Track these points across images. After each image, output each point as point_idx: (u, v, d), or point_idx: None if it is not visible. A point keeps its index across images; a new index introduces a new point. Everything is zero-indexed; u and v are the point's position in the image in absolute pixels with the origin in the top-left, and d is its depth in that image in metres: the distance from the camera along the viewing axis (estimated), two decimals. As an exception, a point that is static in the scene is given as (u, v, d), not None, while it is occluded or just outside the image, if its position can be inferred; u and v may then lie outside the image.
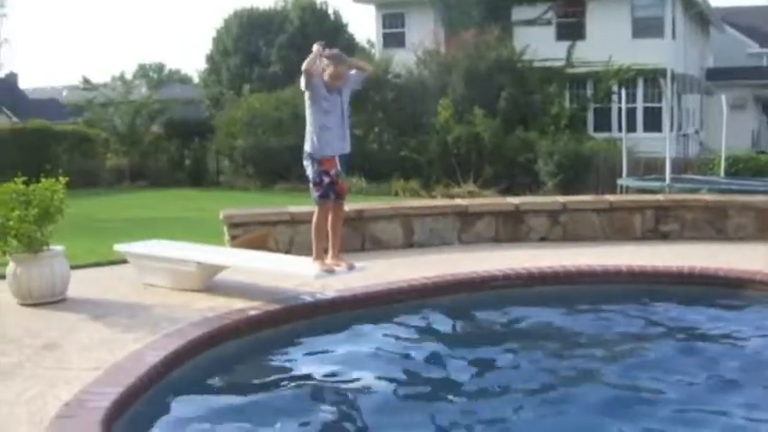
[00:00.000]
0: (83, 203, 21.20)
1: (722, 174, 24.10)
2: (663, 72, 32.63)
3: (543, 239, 12.19)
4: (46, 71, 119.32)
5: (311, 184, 8.36)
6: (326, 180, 8.22)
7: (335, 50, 8.41)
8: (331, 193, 8.26)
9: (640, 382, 6.50)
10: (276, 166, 29.74)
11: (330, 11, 45.47)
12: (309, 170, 8.30)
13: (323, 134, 8.15)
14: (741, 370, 6.82)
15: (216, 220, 11.74)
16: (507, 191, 25.60)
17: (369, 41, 48.24)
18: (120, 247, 9.37)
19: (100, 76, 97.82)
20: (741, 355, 7.32)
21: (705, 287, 9.34)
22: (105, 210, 22.13)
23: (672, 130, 29.63)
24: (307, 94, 8.26)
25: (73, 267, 8.76)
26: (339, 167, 8.29)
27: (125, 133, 36.05)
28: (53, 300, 8.22)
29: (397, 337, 7.80)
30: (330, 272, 8.18)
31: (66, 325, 7.42)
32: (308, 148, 8.23)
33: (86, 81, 39.02)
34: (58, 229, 8.42)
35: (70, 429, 5.05)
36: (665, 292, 9.23)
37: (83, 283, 8.88)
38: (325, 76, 8.22)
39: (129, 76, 44.14)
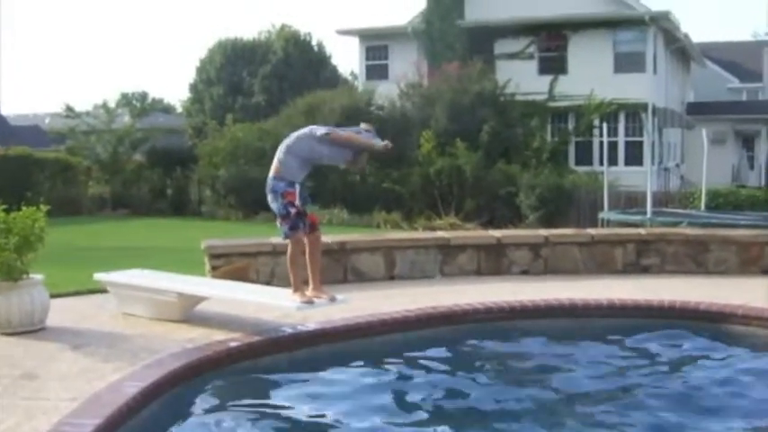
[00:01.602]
0: (64, 231, 21.10)
1: (703, 207, 24.16)
2: (644, 106, 32.80)
3: (525, 273, 12.21)
4: (28, 98, 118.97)
5: (279, 218, 8.37)
6: (293, 211, 8.23)
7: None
8: (300, 224, 8.25)
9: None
10: (258, 196, 29.16)
11: (314, 42, 45.60)
12: (275, 204, 8.32)
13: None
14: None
15: (197, 251, 11.70)
16: (489, 224, 25.61)
17: (352, 73, 48.38)
18: (100, 277, 9.32)
19: (83, 104, 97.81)
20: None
21: (686, 321, 9.35)
22: (86, 238, 22.01)
23: (653, 163, 29.73)
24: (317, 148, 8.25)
25: (53, 296, 8.72)
26: (302, 201, 8.31)
27: (107, 161, 35.93)
28: (32, 329, 8.16)
29: (380, 371, 7.78)
30: (310, 303, 8.17)
31: (44, 354, 7.37)
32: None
33: (69, 108, 38.92)
34: (38, 258, 8.38)
35: (47, 461, 5.00)
36: (646, 325, 9.25)
37: (62, 312, 8.84)
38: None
39: (112, 105, 43.87)
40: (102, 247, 19.45)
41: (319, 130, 8.31)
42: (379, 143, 8.45)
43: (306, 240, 8.35)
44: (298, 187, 8.31)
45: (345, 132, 8.35)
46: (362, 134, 8.44)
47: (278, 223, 8.43)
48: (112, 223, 28.91)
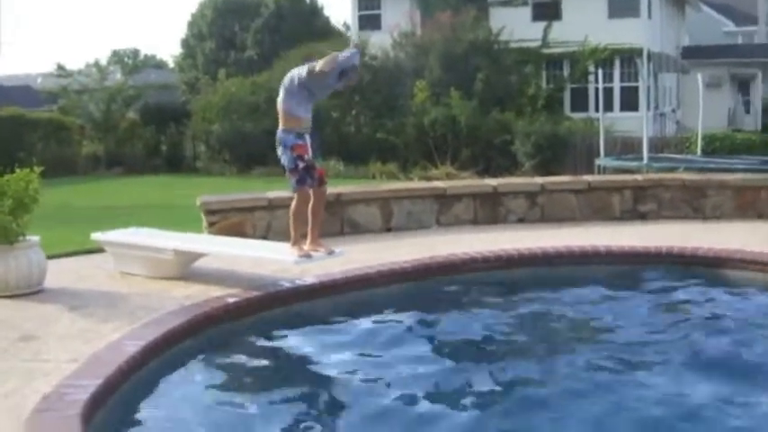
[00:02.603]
0: (59, 192, 21.08)
1: (699, 152, 24.16)
2: (639, 51, 32.62)
3: (521, 221, 12.19)
4: (19, 58, 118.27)
5: (287, 171, 8.32)
6: (302, 165, 8.19)
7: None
8: (308, 178, 8.22)
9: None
10: (253, 150, 29.58)
11: (305, -7, 45.26)
12: (284, 157, 8.27)
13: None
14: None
15: (193, 207, 11.67)
16: (485, 172, 25.59)
17: (345, 24, 47.96)
18: (96, 236, 9.29)
19: (74, 63, 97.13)
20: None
21: (683, 267, 9.37)
22: (81, 198, 22.00)
23: (649, 109, 29.63)
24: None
25: (49, 257, 8.68)
26: (312, 153, 8.27)
27: (100, 120, 35.79)
28: (30, 291, 8.14)
29: (377, 322, 7.79)
30: (308, 257, 8.16)
31: (43, 316, 7.36)
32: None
33: (61, 68, 38.75)
34: (33, 219, 8.34)
35: (49, 422, 5.00)
36: (643, 272, 9.27)
37: (59, 273, 8.81)
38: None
39: (103, 63, 43.55)
40: (97, 206, 19.43)
41: (302, 73, 8.21)
42: (355, 61, 8.30)
43: (311, 194, 8.32)
44: (308, 139, 8.25)
45: (322, 61, 8.17)
46: (342, 55, 8.28)
47: (287, 176, 8.38)
48: (107, 182, 28.90)
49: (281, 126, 8.32)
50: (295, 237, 8.28)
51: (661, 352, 6.79)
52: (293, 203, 8.35)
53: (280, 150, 8.33)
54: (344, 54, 8.26)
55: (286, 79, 8.37)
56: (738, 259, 9.28)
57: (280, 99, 8.37)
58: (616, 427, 5.46)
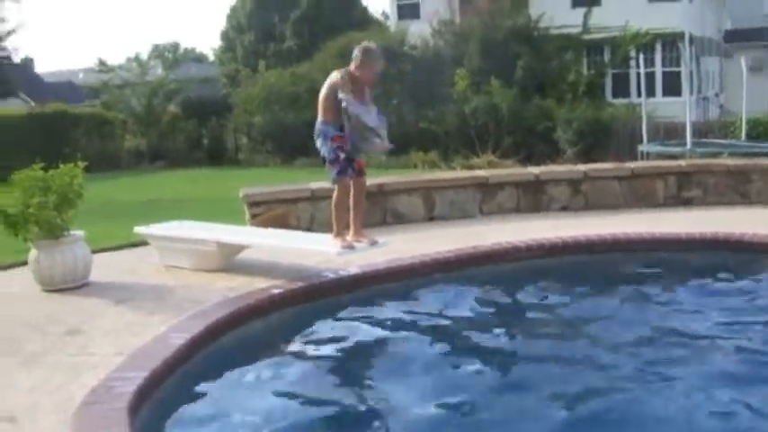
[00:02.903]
0: (102, 186, 21.23)
1: (743, 137, 23.88)
2: (681, 35, 32.29)
3: (564, 209, 12.12)
4: (61, 54, 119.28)
5: (327, 163, 8.31)
6: (342, 156, 8.17)
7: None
8: (349, 169, 8.21)
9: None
10: (295, 141, 29.62)
11: (343, -16, 45.22)
12: (324, 149, 8.25)
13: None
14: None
15: (236, 199, 11.71)
16: (527, 160, 25.45)
17: (383, 13, 47.94)
18: (140, 230, 9.34)
19: (115, 58, 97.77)
20: None
21: (730, 253, 9.27)
22: (125, 192, 22.16)
23: (691, 93, 29.37)
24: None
25: (94, 251, 8.74)
26: (350, 144, 8.24)
27: (142, 114, 36.00)
28: (75, 285, 8.20)
29: (422, 313, 7.76)
30: (351, 248, 8.15)
31: (88, 310, 7.41)
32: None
33: (102, 63, 38.99)
34: (78, 214, 8.41)
35: (97, 416, 5.03)
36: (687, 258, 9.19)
37: (104, 267, 8.87)
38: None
39: (144, 57, 43.88)
40: (141, 201, 19.54)
41: (335, 81, 8.17)
42: (380, 137, 8.21)
43: (351, 185, 8.31)
44: (348, 130, 8.20)
45: (343, 95, 8.10)
46: (370, 116, 8.21)
47: (327, 168, 8.37)
48: (150, 176, 29.06)
49: (320, 117, 8.31)
50: (338, 228, 8.29)
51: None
52: (334, 195, 8.34)
53: (319, 142, 8.32)
54: (369, 117, 8.18)
55: (329, 78, 8.34)
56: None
57: (322, 93, 8.35)
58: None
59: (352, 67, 8.18)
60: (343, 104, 8.05)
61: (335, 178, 8.25)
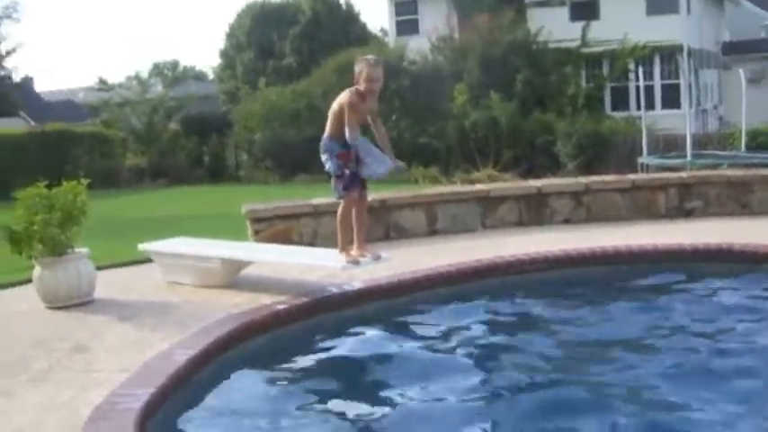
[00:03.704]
0: (104, 204, 21.24)
1: (743, 148, 23.94)
2: (679, 48, 32.44)
3: (567, 221, 12.14)
4: (61, 73, 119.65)
5: (333, 178, 8.31)
6: (347, 172, 8.18)
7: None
8: (356, 184, 8.21)
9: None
10: (295, 158, 29.74)
11: (341, 0, 45.33)
12: (329, 164, 8.25)
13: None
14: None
15: (238, 216, 11.73)
16: (527, 174, 25.52)
17: (382, 29, 48.08)
18: (143, 247, 9.36)
19: (115, 76, 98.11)
20: None
21: (732, 264, 9.27)
22: (127, 209, 22.19)
23: (691, 106, 29.46)
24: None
25: (98, 268, 8.74)
26: (356, 161, 8.24)
27: (143, 132, 36.12)
28: (80, 302, 8.21)
29: (427, 327, 7.77)
30: (356, 263, 8.15)
31: (93, 327, 7.42)
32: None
33: (102, 81, 39.13)
34: (81, 231, 8.42)
35: (103, 432, 5.03)
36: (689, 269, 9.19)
37: (108, 285, 8.88)
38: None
39: (144, 75, 43.98)
40: (143, 218, 19.57)
41: (342, 103, 8.17)
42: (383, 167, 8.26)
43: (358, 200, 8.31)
44: (354, 148, 8.19)
45: (348, 129, 8.13)
46: (375, 164, 8.25)
47: (332, 183, 8.36)
48: (152, 193, 29.11)
49: (326, 133, 8.29)
50: (342, 243, 8.29)
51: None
52: (339, 209, 8.34)
53: (324, 157, 8.31)
54: (374, 165, 8.21)
55: (339, 97, 8.34)
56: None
57: (332, 109, 8.33)
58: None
59: (357, 82, 8.18)
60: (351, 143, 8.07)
61: (341, 193, 8.24)
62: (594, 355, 6.92)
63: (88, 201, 8.40)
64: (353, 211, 8.31)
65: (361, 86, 8.12)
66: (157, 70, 72.47)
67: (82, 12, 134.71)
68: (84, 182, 8.38)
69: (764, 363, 6.38)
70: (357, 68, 8.16)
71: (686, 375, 6.21)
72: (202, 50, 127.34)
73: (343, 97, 8.15)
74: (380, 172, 8.26)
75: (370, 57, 8.32)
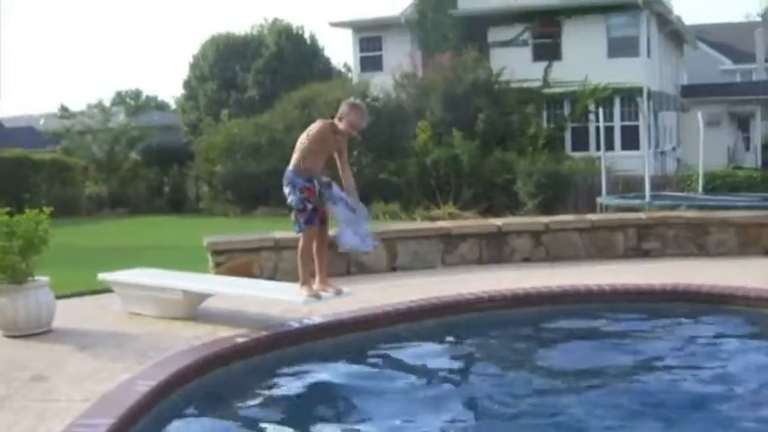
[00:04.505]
0: (63, 232, 20.99)
1: (700, 190, 24.20)
2: (639, 90, 32.82)
3: (527, 260, 12.24)
4: (22, 99, 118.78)
5: (294, 211, 8.35)
6: (309, 206, 8.22)
7: None
8: (315, 219, 8.26)
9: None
10: (256, 191, 29.73)
11: (306, 35, 45.45)
12: (292, 197, 8.29)
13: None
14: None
15: (198, 248, 11.72)
16: (487, 212, 25.64)
17: (345, 65, 48.23)
18: (104, 276, 9.33)
19: (77, 104, 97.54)
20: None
21: (689, 304, 9.41)
22: (87, 238, 22.00)
23: (650, 147, 29.77)
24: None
25: (57, 297, 8.70)
26: (318, 197, 8.28)
27: (104, 161, 35.91)
28: (39, 331, 8.17)
29: (386, 362, 7.82)
30: (317, 297, 8.18)
31: (53, 356, 7.39)
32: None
33: (64, 109, 38.91)
34: (41, 260, 8.38)
35: (62, 462, 5.02)
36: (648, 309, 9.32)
37: (68, 314, 8.85)
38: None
39: (106, 104, 43.73)
40: (103, 247, 19.46)
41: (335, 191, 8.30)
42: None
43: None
44: (316, 184, 8.25)
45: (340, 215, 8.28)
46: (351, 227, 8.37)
47: (293, 216, 8.40)
48: (112, 223, 28.92)
49: (291, 165, 8.33)
50: (304, 276, 8.31)
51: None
52: (300, 243, 8.37)
53: (287, 190, 8.34)
54: (350, 228, 8.36)
55: (309, 128, 8.40)
56: (742, 296, 9.33)
57: (300, 140, 8.39)
58: None
59: (339, 120, 8.24)
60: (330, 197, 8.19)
61: (302, 227, 8.27)
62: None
63: (50, 229, 8.37)
64: (314, 245, 8.34)
65: (341, 125, 8.18)
66: (120, 99, 72.23)
67: (44, 38, 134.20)
68: (47, 210, 8.36)
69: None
70: (344, 108, 8.24)
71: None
72: (165, 80, 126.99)
73: (314, 126, 8.22)
74: (361, 249, 8.39)
75: (360, 103, 8.42)
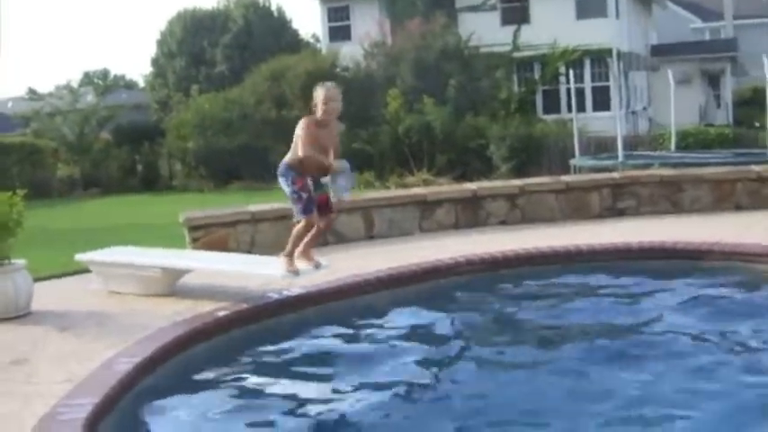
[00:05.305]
0: (36, 215, 20.77)
1: (673, 148, 24.34)
2: (609, 51, 32.85)
3: (503, 223, 12.28)
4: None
5: (290, 201, 8.25)
6: (305, 195, 8.12)
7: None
8: (312, 207, 8.13)
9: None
10: (229, 165, 29.65)
11: (273, 7, 45.25)
12: (286, 189, 8.20)
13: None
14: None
15: (174, 224, 11.68)
16: (461, 178, 25.63)
17: (314, 36, 47.99)
18: (81, 257, 9.28)
19: (46, 86, 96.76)
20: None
21: (665, 261, 9.48)
22: (60, 220, 21.89)
23: (621, 108, 29.86)
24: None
25: (35, 280, 8.65)
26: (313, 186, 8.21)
27: (74, 142, 35.63)
28: (17, 314, 8.12)
29: (367, 329, 7.84)
30: (296, 274, 8.14)
31: (33, 339, 7.35)
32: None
33: (32, 91, 38.59)
34: (16, 243, 8.33)
35: (48, 442, 5.02)
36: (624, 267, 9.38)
37: (46, 296, 8.79)
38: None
39: (75, 85, 43.46)
40: (77, 228, 19.34)
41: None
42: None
43: (320, 221, 8.24)
44: (308, 178, 8.16)
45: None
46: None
47: (292, 206, 8.31)
48: (85, 203, 28.77)
49: (286, 158, 8.22)
50: (290, 250, 8.21)
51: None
52: (299, 225, 8.20)
53: (281, 180, 8.23)
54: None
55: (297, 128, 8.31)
56: (718, 251, 9.42)
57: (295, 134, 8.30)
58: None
59: (316, 110, 8.15)
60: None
61: (301, 216, 8.15)
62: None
63: (24, 212, 8.32)
64: (315, 229, 8.26)
65: (318, 114, 8.10)
66: (88, 79, 71.67)
67: (9, 20, 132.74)
68: (21, 193, 8.30)
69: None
70: (315, 95, 8.16)
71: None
72: (133, 59, 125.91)
73: (300, 124, 8.14)
74: (349, 185, 8.32)
75: (328, 84, 8.32)
